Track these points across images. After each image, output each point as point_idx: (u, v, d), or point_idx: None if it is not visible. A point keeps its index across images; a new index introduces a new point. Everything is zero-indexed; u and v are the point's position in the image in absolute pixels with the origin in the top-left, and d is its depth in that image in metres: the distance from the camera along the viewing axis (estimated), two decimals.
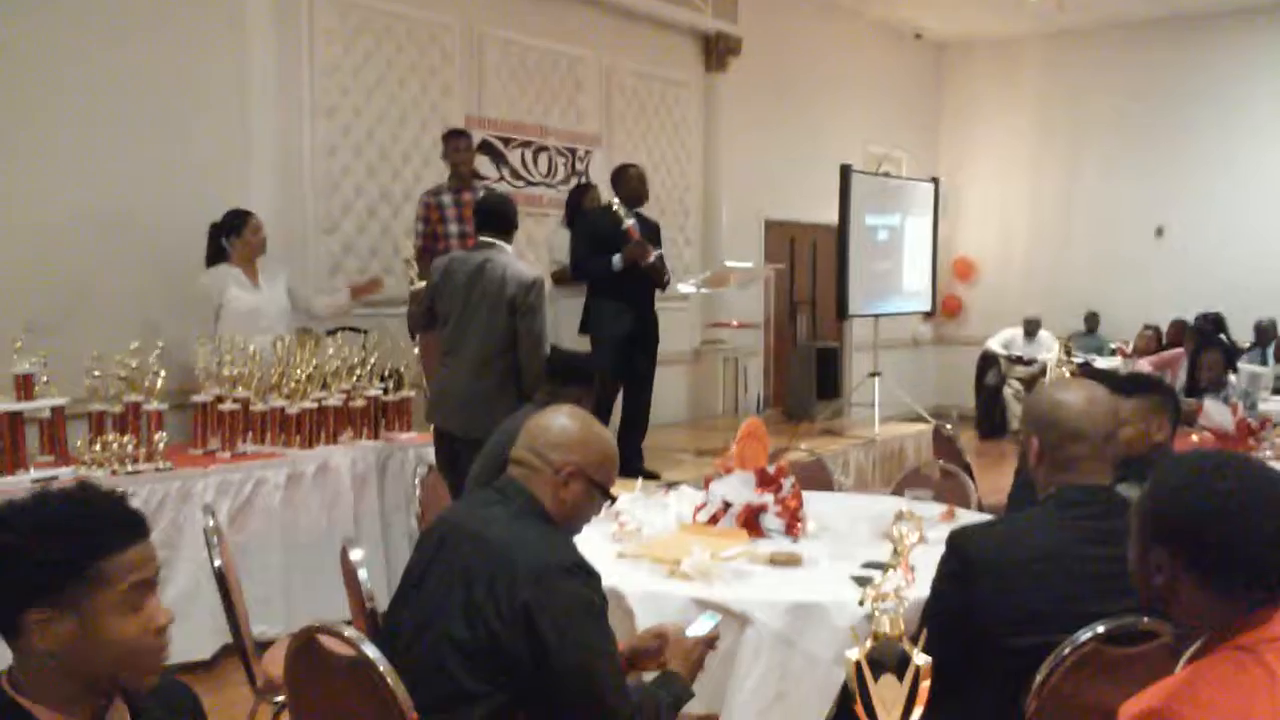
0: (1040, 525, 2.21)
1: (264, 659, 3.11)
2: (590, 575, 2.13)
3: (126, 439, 4.35)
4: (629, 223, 6.25)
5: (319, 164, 6.55)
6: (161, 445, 4.43)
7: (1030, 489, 2.36)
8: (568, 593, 2.07)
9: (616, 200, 6.35)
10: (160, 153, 5.68)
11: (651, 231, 6.44)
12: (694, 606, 2.56)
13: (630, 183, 6.40)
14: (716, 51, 9.37)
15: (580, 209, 6.77)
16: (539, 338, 4.64)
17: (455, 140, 6.34)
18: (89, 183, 5.39)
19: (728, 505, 3.23)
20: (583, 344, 6.37)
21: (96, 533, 1.36)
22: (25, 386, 4.10)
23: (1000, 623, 2.11)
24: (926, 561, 2.43)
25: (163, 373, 4.62)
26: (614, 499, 2.52)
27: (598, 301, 6.33)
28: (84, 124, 5.40)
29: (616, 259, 6.14)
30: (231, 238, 5.39)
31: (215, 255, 5.42)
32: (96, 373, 4.49)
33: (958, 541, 2.20)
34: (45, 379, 4.26)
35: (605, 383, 5.87)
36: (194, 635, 4.34)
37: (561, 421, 2.27)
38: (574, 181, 7.88)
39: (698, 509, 3.33)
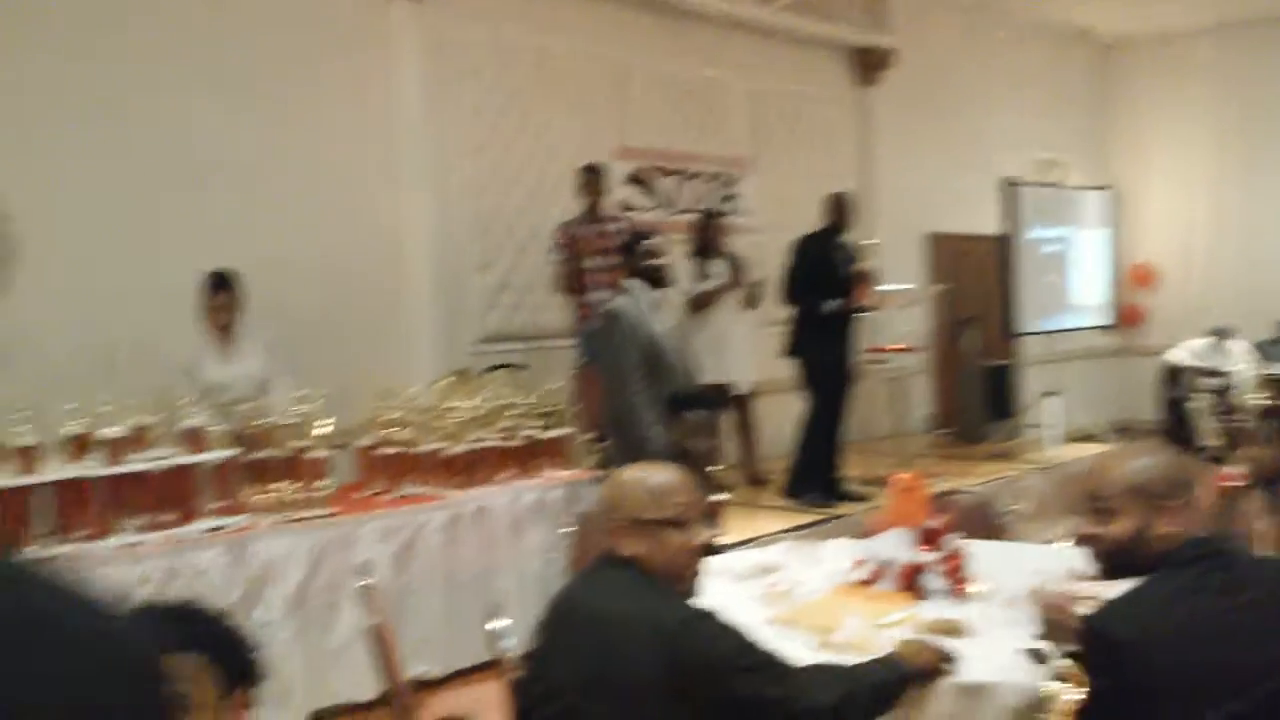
0: (1168, 588, 1.99)
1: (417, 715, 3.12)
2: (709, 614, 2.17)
3: (291, 486, 4.47)
4: (868, 264, 6.33)
5: (469, 203, 6.66)
6: (326, 492, 4.54)
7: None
8: (705, 637, 2.11)
9: (845, 236, 6.45)
10: (317, 198, 5.85)
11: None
12: None
13: (849, 210, 6.49)
14: (867, 65, 9.15)
15: (705, 238, 6.74)
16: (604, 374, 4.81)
17: (584, 175, 6.40)
18: (251, 234, 5.59)
19: (886, 564, 3.07)
20: (777, 366, 6.57)
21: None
22: (196, 440, 4.25)
23: (1172, 701, 1.92)
24: None
25: (333, 420, 4.73)
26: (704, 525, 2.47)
27: (805, 325, 6.35)
28: (246, 178, 5.61)
29: (831, 305, 6.17)
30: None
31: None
32: (260, 421, 4.63)
33: (1099, 628, 2.00)
34: (214, 427, 4.42)
35: (817, 405, 6.36)
36: (359, 678, 4.42)
37: (604, 492, 2.36)
38: (723, 206, 7.81)
39: (854, 565, 3.19)
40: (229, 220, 5.54)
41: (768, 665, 2.15)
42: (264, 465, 4.57)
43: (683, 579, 2.24)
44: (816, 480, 6.49)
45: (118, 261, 5.32)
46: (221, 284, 5.09)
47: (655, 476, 2.30)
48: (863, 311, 6.52)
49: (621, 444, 4.78)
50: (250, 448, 4.45)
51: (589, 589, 2.30)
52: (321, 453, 4.65)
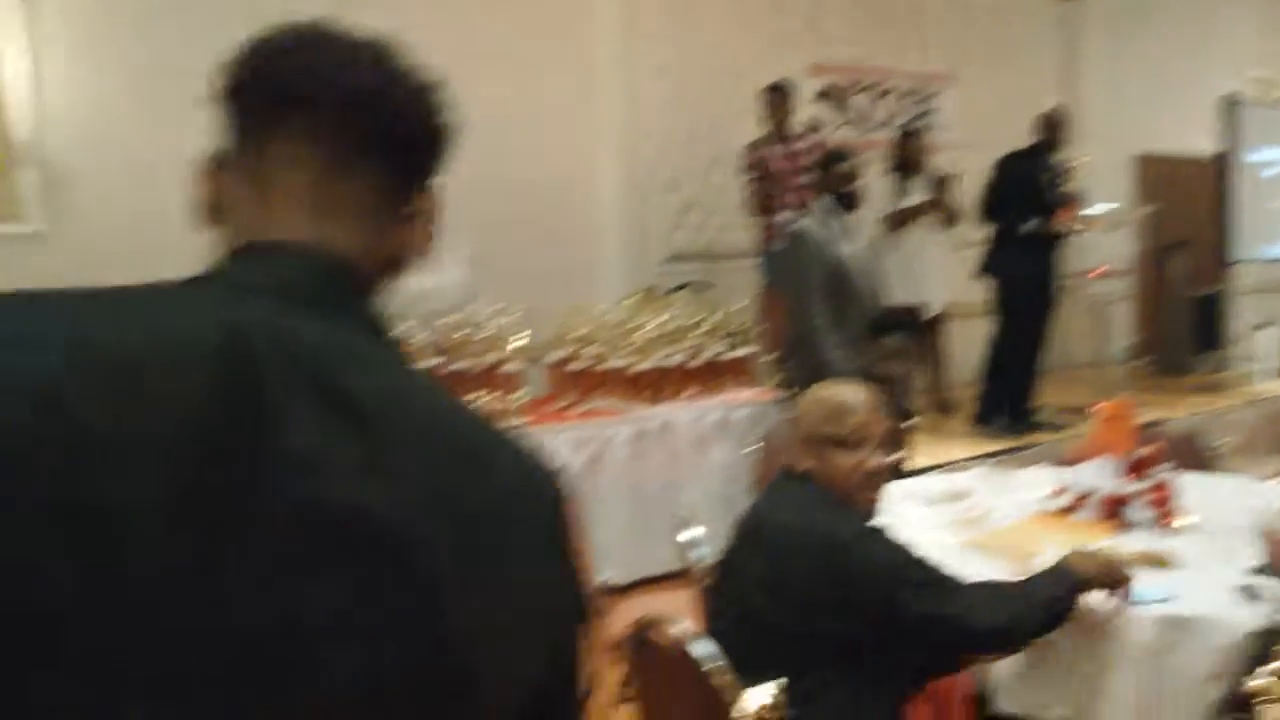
0: None
1: (608, 619, 3.23)
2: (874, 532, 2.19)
3: (488, 396, 4.65)
4: (1076, 185, 6.10)
5: (659, 122, 6.64)
6: (519, 403, 4.69)
7: None
8: (873, 552, 2.14)
9: (1056, 151, 6.22)
10: (512, 116, 5.94)
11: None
12: None
13: (1064, 129, 6.24)
14: None
15: (905, 155, 6.53)
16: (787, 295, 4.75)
17: (769, 95, 6.27)
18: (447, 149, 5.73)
19: (1087, 493, 2.98)
20: (970, 289, 6.43)
21: None
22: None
23: None
24: None
25: (527, 334, 4.87)
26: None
27: (1002, 244, 6.21)
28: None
29: (1031, 224, 5.97)
30: None
31: None
32: (459, 333, 4.80)
33: None
34: (419, 338, 4.61)
35: (1008, 328, 6.22)
36: None
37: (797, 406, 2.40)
38: (919, 123, 7.56)
39: (1053, 493, 3.10)
40: None
41: (936, 583, 2.14)
42: (462, 375, 4.75)
43: (855, 499, 2.23)
44: (1005, 407, 6.31)
45: None
46: None
47: (837, 395, 2.31)
48: (1065, 233, 6.24)
49: (802, 366, 4.76)
50: (450, 358, 4.62)
51: (771, 502, 2.35)
52: (517, 365, 4.80)
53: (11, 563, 0.65)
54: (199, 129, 1.00)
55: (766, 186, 6.19)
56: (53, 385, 0.68)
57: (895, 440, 4.08)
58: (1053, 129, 6.27)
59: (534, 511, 0.87)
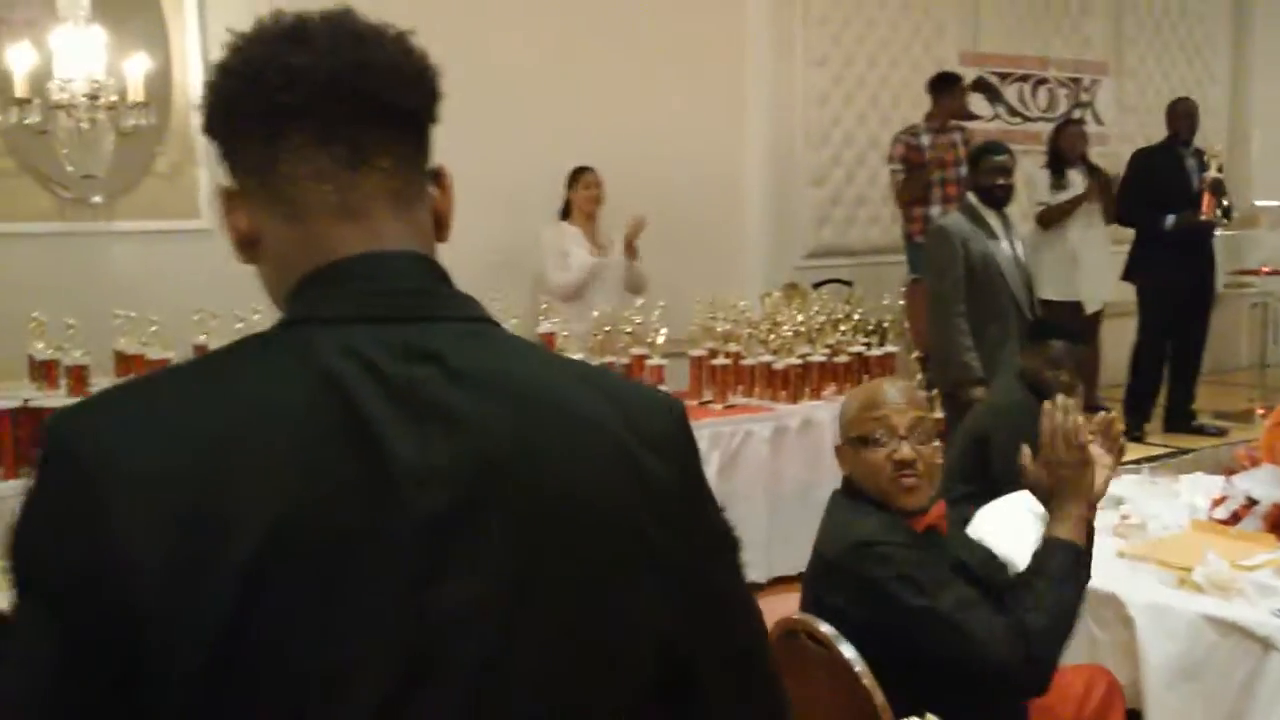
0: None
1: None
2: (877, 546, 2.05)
3: None
4: (1211, 174, 5.84)
5: (810, 114, 6.59)
6: None
7: None
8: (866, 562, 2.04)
9: (1187, 143, 6.01)
10: (664, 107, 5.97)
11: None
12: (1206, 625, 2.30)
13: (1193, 119, 6.01)
14: None
15: (1061, 148, 6.32)
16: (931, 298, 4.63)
17: (943, 84, 6.14)
18: (599, 138, 5.78)
19: (1252, 502, 2.85)
20: (1125, 287, 6.26)
21: None
22: (549, 344, 4.53)
23: None
24: None
25: (664, 330, 4.91)
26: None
27: (1144, 244, 6.02)
28: (597, 83, 5.80)
29: (1171, 219, 5.75)
30: (568, 193, 5.46)
31: (565, 211, 5.52)
32: (607, 328, 4.86)
33: None
34: (565, 334, 4.68)
35: (1151, 331, 6.05)
36: None
37: None
38: (1077, 114, 7.33)
39: (1214, 503, 2.98)
40: (572, 133, 5.76)
41: (931, 594, 1.97)
42: (609, 368, 4.81)
43: (891, 496, 2.13)
44: (1149, 412, 6.09)
45: (482, 163, 5.58)
46: (591, 173, 5.43)
47: (859, 394, 2.27)
48: (1209, 228, 5.94)
49: (940, 368, 4.67)
50: (592, 352, 4.70)
51: (826, 513, 2.28)
52: (659, 360, 4.84)
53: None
54: None
55: (918, 178, 6.05)
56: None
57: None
58: (1176, 119, 6.03)
59: (650, 467, 0.89)
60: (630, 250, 5.41)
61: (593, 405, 0.89)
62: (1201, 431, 6.07)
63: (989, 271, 4.55)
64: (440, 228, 0.95)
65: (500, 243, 5.36)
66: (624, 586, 0.87)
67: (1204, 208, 5.89)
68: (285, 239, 0.88)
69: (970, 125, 6.41)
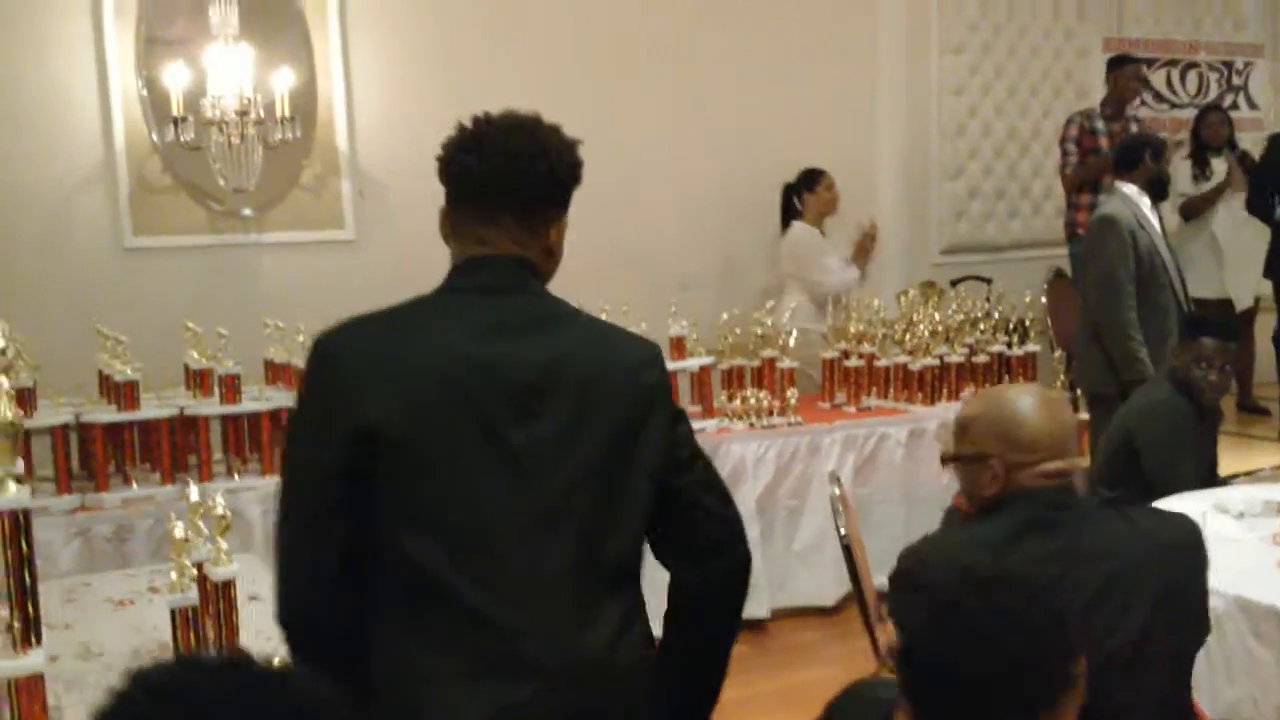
0: None
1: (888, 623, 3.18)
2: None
3: (762, 394, 4.66)
4: None
5: (946, 105, 6.45)
6: (793, 400, 4.67)
7: None
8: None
9: None
10: (795, 100, 5.91)
11: None
12: None
13: None
14: None
15: (1207, 136, 6.02)
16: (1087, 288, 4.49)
17: (1123, 68, 5.94)
18: (730, 146, 5.77)
19: None
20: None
21: None
22: (678, 347, 4.53)
23: None
24: None
25: (794, 332, 4.87)
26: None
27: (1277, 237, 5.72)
28: (731, 89, 5.78)
29: None
30: (804, 194, 5.47)
31: (787, 214, 5.53)
32: (738, 330, 4.83)
33: None
34: (694, 336, 4.67)
35: None
36: (819, 583, 4.58)
37: None
38: (1229, 100, 6.99)
39: None
40: (711, 138, 5.74)
41: None
42: (739, 372, 4.78)
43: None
44: None
45: (625, 174, 5.63)
46: (829, 175, 5.48)
47: (958, 415, 2.11)
48: None
49: (1093, 365, 4.48)
50: (722, 356, 4.68)
51: None
52: (791, 362, 4.79)
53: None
54: None
55: (1094, 164, 5.81)
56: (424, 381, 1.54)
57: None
58: None
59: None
60: (862, 256, 5.44)
61: (614, 338, 1.68)
62: None
63: (1154, 265, 4.36)
64: (550, 261, 1.68)
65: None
66: (631, 441, 1.58)
67: None
68: (466, 239, 1.64)
69: (1136, 115, 6.17)
